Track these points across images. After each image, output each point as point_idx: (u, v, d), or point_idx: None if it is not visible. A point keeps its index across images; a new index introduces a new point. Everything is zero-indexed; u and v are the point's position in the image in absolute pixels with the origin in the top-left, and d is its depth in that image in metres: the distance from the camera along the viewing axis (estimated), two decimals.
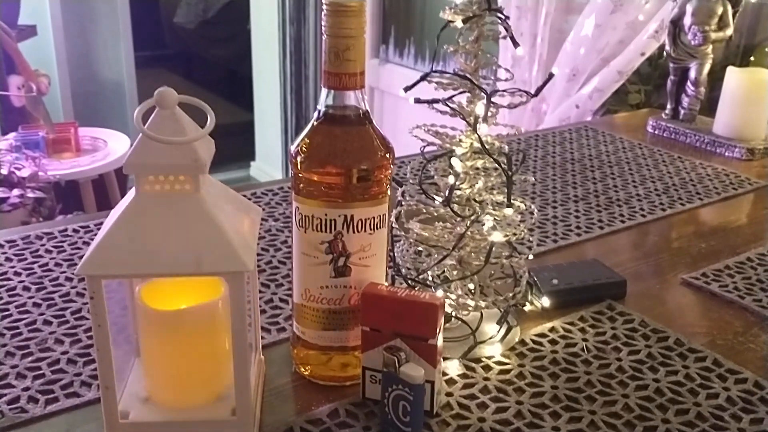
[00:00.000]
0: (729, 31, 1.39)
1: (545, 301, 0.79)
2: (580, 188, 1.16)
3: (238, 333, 0.55)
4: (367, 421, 0.63)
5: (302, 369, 0.68)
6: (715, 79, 1.46)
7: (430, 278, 0.73)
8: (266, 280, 0.85)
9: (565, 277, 0.83)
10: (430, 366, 0.61)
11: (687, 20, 1.39)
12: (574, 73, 1.82)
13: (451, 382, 0.68)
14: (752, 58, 1.41)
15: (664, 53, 1.50)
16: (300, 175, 0.62)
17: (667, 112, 1.47)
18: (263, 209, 1.04)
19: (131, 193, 0.55)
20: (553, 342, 0.75)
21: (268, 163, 3.89)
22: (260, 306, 0.79)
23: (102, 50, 3.58)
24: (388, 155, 0.62)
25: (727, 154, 1.34)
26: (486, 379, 0.69)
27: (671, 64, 1.46)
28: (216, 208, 0.54)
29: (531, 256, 0.77)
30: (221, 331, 0.59)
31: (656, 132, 1.45)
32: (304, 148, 0.62)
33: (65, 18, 3.34)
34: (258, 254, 0.91)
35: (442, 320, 0.62)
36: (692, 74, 1.42)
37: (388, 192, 0.64)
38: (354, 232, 0.62)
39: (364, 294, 0.62)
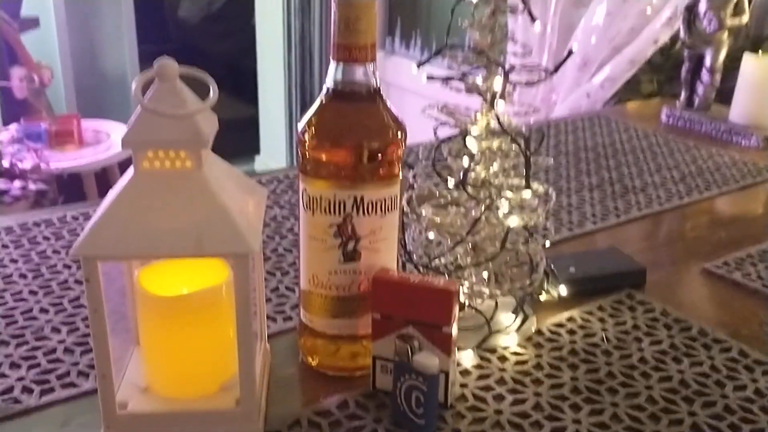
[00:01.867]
0: (745, 18, 1.36)
1: (563, 290, 0.76)
2: (595, 176, 1.12)
3: (243, 319, 0.52)
4: (378, 413, 0.59)
5: (310, 359, 0.65)
6: (727, 69, 1.42)
7: (442, 265, 0.70)
8: (272, 268, 0.82)
9: (583, 266, 0.80)
10: (444, 355, 0.58)
11: (702, 6, 1.35)
12: (585, 62, 1.79)
13: (465, 373, 0.65)
14: (760, 52, 1.37)
15: (678, 41, 1.47)
16: (307, 154, 0.59)
17: (681, 100, 1.43)
18: (269, 196, 1.01)
19: (130, 171, 0.52)
20: (571, 332, 0.72)
21: (273, 157, 3.86)
22: (266, 295, 0.76)
23: (105, 43, 3.56)
24: (400, 133, 0.59)
25: (743, 143, 1.31)
26: (502, 370, 0.66)
27: (686, 52, 1.42)
28: (219, 186, 0.51)
29: (548, 243, 0.74)
30: (225, 317, 0.56)
31: (670, 121, 1.41)
32: (311, 126, 0.59)
33: (68, 11, 3.31)
34: (263, 242, 0.88)
35: (457, 307, 0.58)
36: (707, 61, 1.38)
37: (400, 173, 0.61)
38: (364, 214, 0.59)
39: (375, 279, 0.59)
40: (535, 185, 0.68)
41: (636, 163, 1.18)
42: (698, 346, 0.70)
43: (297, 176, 0.61)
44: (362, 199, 0.58)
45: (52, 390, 0.61)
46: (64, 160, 2.50)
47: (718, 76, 1.39)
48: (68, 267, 0.80)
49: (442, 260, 0.70)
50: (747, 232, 0.95)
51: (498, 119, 0.62)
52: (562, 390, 0.63)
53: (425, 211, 0.68)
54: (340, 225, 0.59)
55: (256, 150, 3.98)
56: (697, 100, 1.41)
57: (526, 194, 0.66)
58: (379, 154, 0.58)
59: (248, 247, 0.50)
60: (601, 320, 0.74)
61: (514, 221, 0.66)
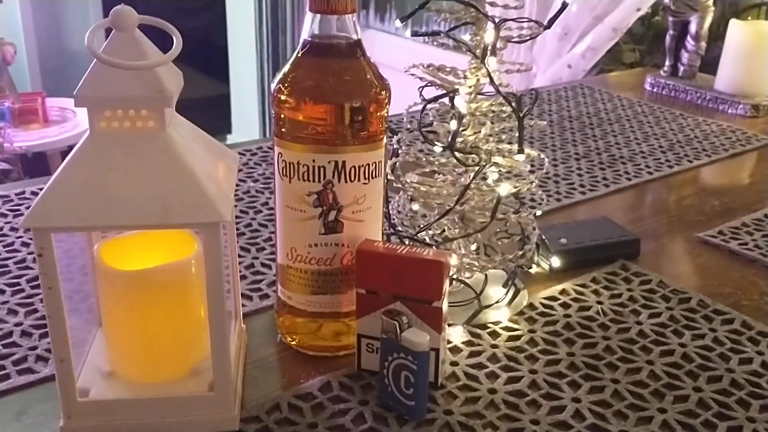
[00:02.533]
0: None
1: (555, 262, 0.72)
2: (581, 146, 1.08)
3: (214, 295, 0.47)
4: (364, 395, 0.55)
5: (289, 338, 0.61)
6: (711, 38, 1.38)
7: (429, 237, 0.66)
8: (246, 243, 0.77)
9: (575, 236, 0.76)
10: (434, 332, 0.54)
11: None
12: (566, 32, 1.74)
13: (455, 350, 0.61)
14: (749, 17, 1.34)
15: (660, 9, 1.43)
16: (282, 115, 0.54)
17: (665, 69, 1.40)
18: (241, 169, 0.95)
19: (86, 134, 0.46)
20: (564, 305, 0.68)
21: (245, 135, 3.78)
22: (240, 271, 0.71)
23: (71, 20, 3.44)
24: (384, 92, 0.54)
25: (730, 111, 1.27)
26: (494, 346, 0.61)
27: (670, 18, 1.38)
28: (186, 149, 0.46)
29: (539, 212, 0.70)
30: (195, 294, 0.51)
31: (655, 90, 1.38)
32: (286, 83, 0.53)
33: None
34: (237, 216, 0.83)
35: (448, 281, 0.54)
36: (692, 28, 1.35)
37: (385, 135, 0.56)
38: (346, 181, 0.54)
39: (360, 252, 0.54)
40: (527, 150, 0.64)
41: (622, 132, 1.15)
42: (699, 318, 0.66)
43: (272, 141, 0.56)
44: (344, 164, 0.54)
45: (7, 377, 0.56)
46: (29, 138, 2.41)
47: (703, 44, 1.35)
48: (26, 245, 0.75)
49: (429, 232, 0.66)
50: (740, 201, 0.92)
51: (490, 76, 0.57)
52: (559, 366, 0.59)
53: (411, 179, 0.64)
54: (320, 193, 0.54)
55: (227, 129, 3.91)
56: (681, 69, 1.37)
57: (520, 158, 0.61)
58: (362, 114, 0.53)
59: (219, 215, 0.45)
60: (596, 292, 0.70)
61: (505, 189, 0.62)
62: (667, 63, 1.40)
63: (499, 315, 0.65)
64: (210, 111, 3.55)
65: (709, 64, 1.40)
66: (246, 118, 3.75)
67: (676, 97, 1.34)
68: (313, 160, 0.53)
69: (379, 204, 0.57)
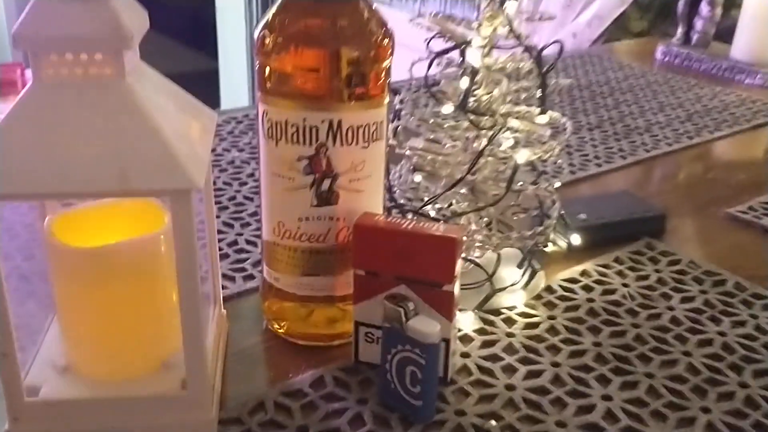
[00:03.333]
0: None
1: (575, 239, 0.64)
2: (593, 115, 1.01)
3: (186, 276, 0.40)
4: (362, 392, 0.48)
5: (276, 325, 0.53)
6: (724, 6, 1.30)
7: (434, 212, 0.58)
8: (229, 218, 0.69)
9: (595, 212, 0.68)
10: (445, 319, 0.46)
11: None
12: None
13: (466, 339, 0.53)
14: None
15: None
16: (267, 66, 0.46)
17: (677, 37, 1.32)
18: (226, 138, 0.87)
19: (29, 84, 0.38)
20: (587, 288, 0.61)
21: None
22: (222, 249, 0.63)
23: None
24: (386, 40, 0.47)
25: (747, 81, 1.20)
26: (510, 335, 0.54)
27: None
28: (150, 102, 0.38)
29: (558, 183, 0.62)
30: (164, 275, 0.43)
31: (666, 59, 1.30)
32: (272, 28, 0.45)
33: None
34: (219, 189, 0.75)
35: (461, 260, 0.47)
36: None
37: (387, 91, 0.48)
38: (342, 144, 0.46)
39: (358, 227, 0.47)
40: (551, 112, 0.56)
41: (636, 102, 1.07)
42: (737, 303, 0.59)
43: (256, 98, 0.48)
44: (340, 124, 0.46)
45: None
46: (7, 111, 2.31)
47: (718, 10, 1.27)
48: None
49: (436, 205, 0.58)
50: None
51: (510, 24, 0.50)
52: (585, 358, 0.52)
53: (415, 144, 0.56)
54: (312, 158, 0.47)
55: (216, 104, 3.80)
56: (695, 37, 1.30)
57: (542, 120, 0.54)
58: (362, 65, 0.45)
59: (189, 180, 0.37)
60: (620, 274, 0.63)
61: (523, 156, 0.54)
62: (679, 31, 1.32)
63: (514, 299, 0.58)
64: (198, 86, 3.43)
65: (722, 35, 1.32)
66: (235, 94, 3.65)
67: (690, 66, 1.26)
68: (304, 119, 0.46)
69: (380, 172, 0.50)
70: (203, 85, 3.69)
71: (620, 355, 0.52)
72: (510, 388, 0.49)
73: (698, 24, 1.29)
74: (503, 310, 0.57)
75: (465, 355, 0.52)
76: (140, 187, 0.37)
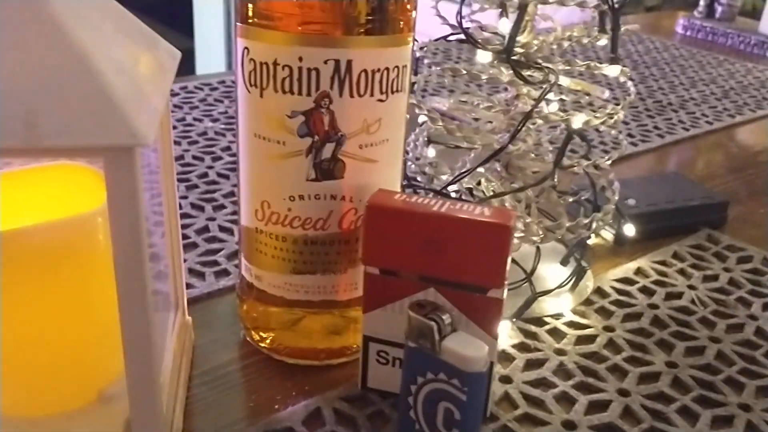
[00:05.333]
0: None
1: (629, 230, 0.52)
2: (618, 89, 0.89)
3: (129, 273, 0.27)
4: (374, 431, 0.35)
5: (257, 337, 0.40)
6: None
7: (464, 192, 0.46)
8: (198, 200, 0.56)
9: (645, 197, 0.57)
10: (489, 337, 0.34)
11: None
12: None
13: (506, 358, 0.41)
14: None
15: None
16: None
17: (700, 9, 1.20)
18: (197, 106, 0.74)
19: None
20: (646, 291, 0.49)
21: None
22: (188, 237, 0.50)
23: None
24: None
25: None
26: (560, 352, 0.42)
27: None
28: (77, 22, 0.25)
29: (612, 158, 0.50)
30: (103, 272, 0.30)
31: (688, 33, 1.19)
32: None
33: None
34: (189, 164, 0.62)
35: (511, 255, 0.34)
36: None
37: (413, 28, 0.36)
38: (352, 95, 0.34)
39: (371, 209, 0.34)
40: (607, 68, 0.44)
41: (663, 77, 0.95)
42: None
43: (234, 31, 0.36)
44: (349, 66, 0.33)
45: None
46: None
47: None
48: None
49: (464, 184, 0.46)
50: None
51: None
52: (659, 384, 0.40)
53: (441, 105, 0.43)
54: (310, 113, 0.34)
55: None
56: (719, 9, 1.18)
57: (612, 72, 0.42)
58: None
59: (132, 133, 0.24)
60: (683, 273, 0.51)
61: (580, 121, 0.42)
62: (701, 3, 1.20)
63: (560, 304, 0.46)
64: None
65: (743, 12, 1.21)
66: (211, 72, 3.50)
67: (714, 41, 1.15)
68: (300, 59, 0.33)
69: (400, 136, 0.37)
70: (179, 64, 3.56)
71: (703, 380, 0.40)
72: (569, 426, 0.37)
73: None
74: (547, 319, 0.45)
75: (506, 379, 0.39)
76: (56, 142, 0.24)
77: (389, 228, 0.34)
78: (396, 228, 0.34)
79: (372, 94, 0.34)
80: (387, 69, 0.34)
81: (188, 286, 0.45)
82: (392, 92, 0.35)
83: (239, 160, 0.37)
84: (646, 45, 1.10)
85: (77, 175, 0.32)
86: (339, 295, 0.38)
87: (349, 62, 0.33)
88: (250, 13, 0.34)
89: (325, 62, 0.33)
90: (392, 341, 0.36)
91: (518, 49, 0.42)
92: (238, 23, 0.35)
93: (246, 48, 0.34)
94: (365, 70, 0.34)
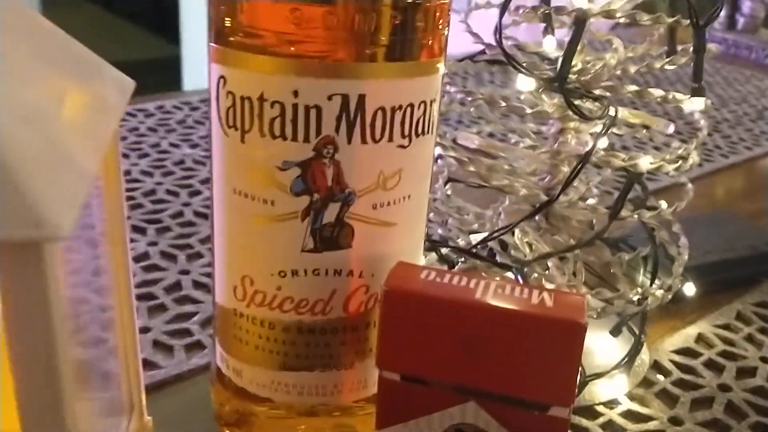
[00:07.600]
0: None
1: (688, 289, 0.44)
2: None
3: (31, 398, 0.18)
4: None
5: None
6: None
7: (503, 255, 0.37)
8: (170, 246, 0.47)
9: (698, 244, 0.48)
10: None
11: None
12: None
13: None
14: None
15: None
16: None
17: (720, 21, 1.12)
18: (175, 129, 0.65)
19: None
20: (713, 367, 0.40)
21: None
22: (155, 298, 0.41)
23: None
24: None
25: None
26: None
27: None
28: None
29: (674, 210, 0.41)
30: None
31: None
32: None
33: None
34: (159, 200, 0.53)
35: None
36: None
37: (445, 50, 0.27)
38: (365, 139, 0.25)
39: (392, 294, 0.25)
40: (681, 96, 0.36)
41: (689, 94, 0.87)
42: None
43: (208, 53, 0.27)
44: (362, 102, 0.24)
45: None
46: None
47: None
48: None
49: (493, 244, 0.37)
50: None
51: None
52: None
53: (469, 141, 0.35)
54: (309, 165, 0.25)
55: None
56: (741, 20, 1.10)
57: (697, 105, 0.33)
58: (412, 6, 0.24)
59: (37, 223, 0.15)
60: (751, 340, 0.42)
61: (645, 163, 0.34)
62: (722, 14, 1.12)
63: (613, 388, 0.37)
64: (159, 74, 3.20)
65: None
66: (199, 82, 3.42)
67: (737, 54, 1.07)
68: (295, 93, 0.24)
69: (425, 190, 0.28)
70: (165, 72, 3.46)
71: None
72: None
73: (745, 6, 1.10)
74: (599, 408, 0.36)
75: None
76: None
77: (415, 320, 0.25)
78: (424, 321, 0.25)
79: (391, 139, 0.26)
80: (411, 105, 0.26)
81: (152, 365, 0.36)
82: (417, 135, 0.26)
83: (213, 223, 0.28)
84: (663, 58, 1.02)
85: None
86: (343, 397, 0.29)
87: (361, 97, 0.24)
88: (228, 30, 0.25)
89: (329, 98, 0.24)
90: None
91: (571, 76, 0.33)
92: (211, 44, 0.26)
93: (222, 77, 0.25)
94: (383, 108, 0.25)
